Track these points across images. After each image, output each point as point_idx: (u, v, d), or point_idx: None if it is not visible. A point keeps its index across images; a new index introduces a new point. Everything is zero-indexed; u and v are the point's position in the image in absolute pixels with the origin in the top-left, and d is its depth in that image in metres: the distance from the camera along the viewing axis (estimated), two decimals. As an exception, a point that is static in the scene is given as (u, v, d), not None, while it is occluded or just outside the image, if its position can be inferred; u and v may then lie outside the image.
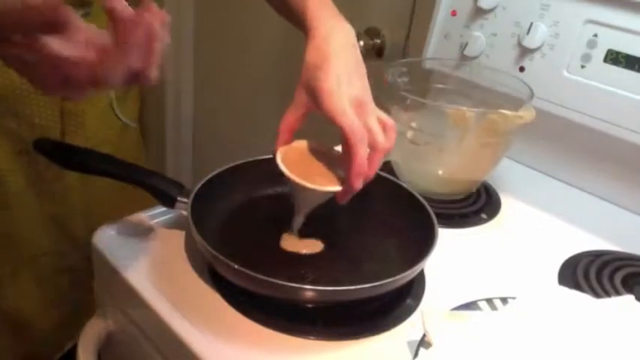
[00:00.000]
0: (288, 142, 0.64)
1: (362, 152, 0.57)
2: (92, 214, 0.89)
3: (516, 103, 0.77)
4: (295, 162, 0.62)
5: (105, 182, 0.87)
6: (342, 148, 0.59)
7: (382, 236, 0.71)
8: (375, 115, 0.60)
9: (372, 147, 0.59)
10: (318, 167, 0.63)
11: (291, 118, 0.63)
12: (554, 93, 0.83)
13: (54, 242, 0.90)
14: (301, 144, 0.65)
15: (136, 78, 0.48)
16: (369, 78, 0.63)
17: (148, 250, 0.67)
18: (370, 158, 0.59)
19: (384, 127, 0.60)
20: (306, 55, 0.61)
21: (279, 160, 0.61)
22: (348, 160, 0.57)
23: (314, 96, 0.59)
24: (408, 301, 0.63)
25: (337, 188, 0.60)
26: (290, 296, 0.58)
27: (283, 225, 0.69)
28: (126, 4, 0.48)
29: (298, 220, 0.67)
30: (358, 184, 0.58)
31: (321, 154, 0.64)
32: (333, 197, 0.62)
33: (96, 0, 0.83)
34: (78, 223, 0.90)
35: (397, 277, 0.58)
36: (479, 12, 0.89)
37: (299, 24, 0.66)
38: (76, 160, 0.71)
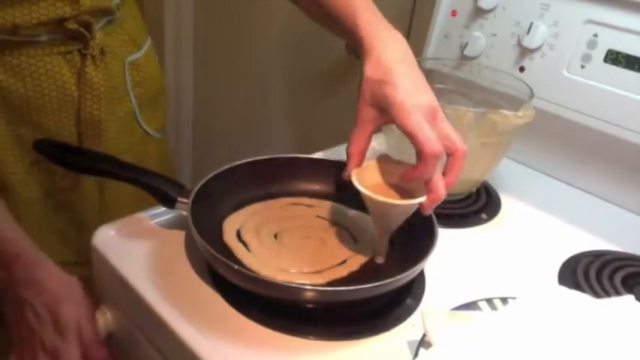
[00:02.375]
0: (360, 164, 0.62)
1: (432, 167, 0.56)
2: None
3: (516, 103, 0.77)
4: (370, 182, 0.62)
5: (122, 190, 0.86)
6: (417, 160, 0.58)
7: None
8: (447, 122, 0.60)
9: (452, 153, 0.59)
10: (392, 183, 0.63)
11: (360, 138, 0.61)
12: (554, 93, 0.83)
13: (73, 252, 0.87)
14: (372, 163, 0.63)
15: None
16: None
17: (148, 250, 0.67)
18: (450, 164, 0.60)
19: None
20: (365, 70, 0.60)
21: (355, 182, 0.60)
22: (421, 174, 0.57)
23: (385, 111, 0.58)
24: (408, 301, 0.63)
25: (421, 199, 0.59)
26: (290, 296, 0.58)
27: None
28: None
29: (381, 243, 0.64)
30: (427, 202, 0.58)
31: (392, 169, 0.63)
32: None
33: (120, 8, 0.82)
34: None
35: (397, 277, 0.58)
36: (479, 12, 0.89)
37: (346, 34, 0.65)
38: (76, 160, 0.71)
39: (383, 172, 0.63)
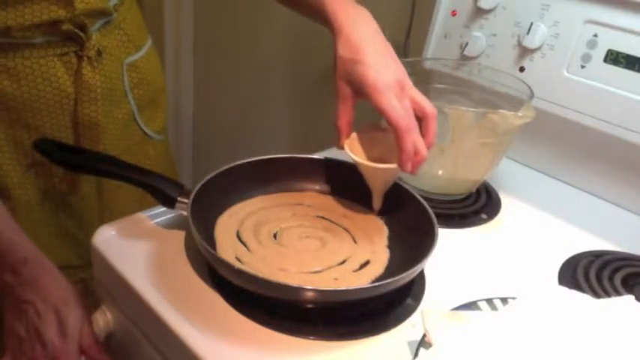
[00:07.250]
0: (349, 135, 0.68)
1: (408, 140, 0.61)
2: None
3: (516, 103, 0.77)
4: (360, 150, 0.69)
5: (121, 191, 0.85)
6: (395, 136, 0.63)
7: (382, 236, 0.71)
8: (415, 89, 0.65)
9: (423, 117, 0.64)
10: (381, 148, 0.69)
11: (345, 112, 0.66)
12: (554, 93, 0.83)
13: (73, 255, 0.87)
14: (360, 132, 0.69)
15: None
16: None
17: (148, 250, 0.67)
18: (425, 127, 0.64)
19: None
20: (338, 50, 0.64)
21: (349, 152, 0.67)
22: (398, 146, 0.62)
23: (358, 88, 0.63)
24: (408, 301, 0.63)
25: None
26: (290, 296, 0.58)
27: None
28: None
29: (377, 200, 0.72)
30: (408, 168, 0.63)
31: (379, 135, 0.69)
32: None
33: (118, 9, 0.81)
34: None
35: (397, 277, 0.58)
36: (479, 12, 0.89)
37: (317, 17, 0.69)
38: (76, 160, 0.71)
39: (370, 140, 0.69)
